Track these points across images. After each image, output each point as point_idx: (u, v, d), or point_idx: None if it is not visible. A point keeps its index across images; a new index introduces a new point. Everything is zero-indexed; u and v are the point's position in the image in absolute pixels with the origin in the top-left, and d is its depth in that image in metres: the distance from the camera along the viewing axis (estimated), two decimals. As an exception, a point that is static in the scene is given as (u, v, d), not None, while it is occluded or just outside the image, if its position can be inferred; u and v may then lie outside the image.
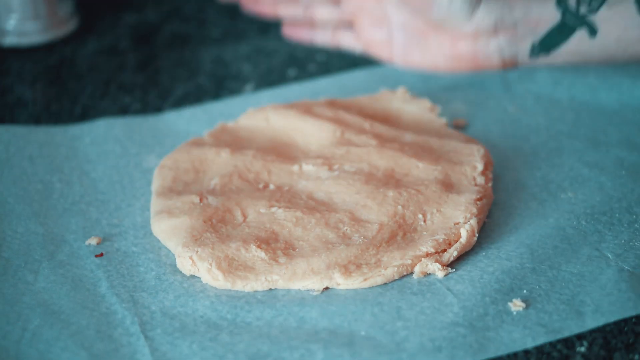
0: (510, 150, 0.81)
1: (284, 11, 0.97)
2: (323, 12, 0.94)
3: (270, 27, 1.04)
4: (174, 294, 0.67)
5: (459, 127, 0.85)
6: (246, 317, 0.64)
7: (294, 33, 0.96)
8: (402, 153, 0.76)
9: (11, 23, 0.99)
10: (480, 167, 0.75)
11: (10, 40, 1.00)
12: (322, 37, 0.95)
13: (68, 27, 1.02)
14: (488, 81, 0.89)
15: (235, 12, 1.08)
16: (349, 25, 0.93)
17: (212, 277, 0.67)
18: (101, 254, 0.70)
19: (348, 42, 0.93)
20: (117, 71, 0.97)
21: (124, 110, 0.90)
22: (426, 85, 0.91)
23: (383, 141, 0.78)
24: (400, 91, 0.85)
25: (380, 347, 0.61)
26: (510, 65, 0.80)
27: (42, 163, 0.80)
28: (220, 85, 0.94)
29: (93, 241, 0.71)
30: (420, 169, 0.75)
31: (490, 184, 0.75)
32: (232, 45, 1.01)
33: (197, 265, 0.68)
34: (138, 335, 0.63)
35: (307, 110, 0.82)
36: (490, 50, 0.80)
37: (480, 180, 0.74)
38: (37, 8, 0.99)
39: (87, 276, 0.68)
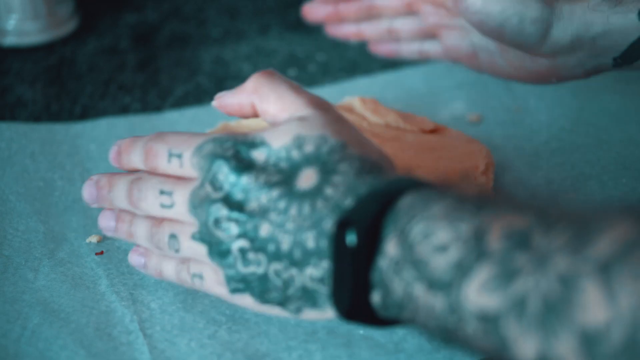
0: (511, 151, 0.81)
1: (369, 30, 0.90)
2: (405, 26, 0.88)
3: (270, 27, 1.05)
4: (173, 292, 0.66)
5: (473, 122, 0.85)
6: (245, 313, 0.64)
7: (380, 49, 0.90)
8: (402, 153, 0.76)
9: (11, 23, 0.99)
10: (481, 167, 0.75)
11: (10, 40, 1.00)
12: (408, 49, 0.88)
13: (68, 27, 1.02)
14: (490, 81, 0.89)
15: (235, 12, 1.08)
16: (432, 36, 0.87)
17: None
18: (101, 252, 0.70)
19: (435, 52, 0.87)
20: (117, 71, 0.96)
21: (124, 110, 0.90)
22: (428, 86, 0.91)
23: (383, 141, 0.78)
24: (356, 101, 0.83)
25: (379, 348, 0.61)
26: (594, 74, 0.76)
27: (44, 161, 0.80)
28: (220, 85, 0.94)
29: (94, 239, 0.71)
30: (421, 170, 0.75)
31: (491, 185, 0.74)
32: (232, 45, 1.01)
33: None
34: (137, 333, 0.63)
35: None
36: (571, 65, 0.74)
37: (482, 180, 0.74)
38: (37, 8, 0.99)
39: (87, 274, 0.68)
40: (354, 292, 0.50)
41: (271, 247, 0.53)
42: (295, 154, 0.54)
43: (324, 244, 0.52)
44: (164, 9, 1.09)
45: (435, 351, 0.61)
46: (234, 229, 0.54)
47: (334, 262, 0.51)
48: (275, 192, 0.53)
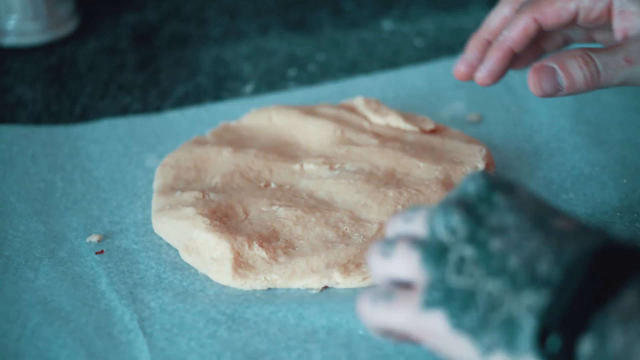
0: (512, 151, 0.81)
1: None
2: None
3: (270, 27, 1.05)
4: (173, 292, 0.66)
5: (474, 121, 0.85)
6: (245, 313, 0.64)
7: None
8: (403, 152, 0.76)
9: (11, 23, 0.99)
10: (481, 167, 0.75)
11: (10, 40, 1.00)
12: None
13: (68, 27, 1.02)
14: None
15: (235, 12, 1.08)
16: None
17: (217, 265, 0.67)
18: (101, 251, 0.70)
19: None
20: (117, 71, 0.97)
21: (124, 110, 0.90)
22: (430, 86, 0.91)
23: (384, 140, 0.78)
24: (359, 101, 0.83)
25: (378, 349, 0.61)
26: None
27: (45, 162, 0.80)
28: (220, 85, 0.94)
29: (94, 239, 0.71)
30: (421, 169, 0.75)
31: (490, 184, 0.74)
32: (232, 45, 1.01)
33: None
34: (137, 331, 0.63)
35: (309, 109, 0.82)
36: None
37: (481, 180, 0.74)
38: (37, 8, 0.99)
39: (88, 273, 0.68)
40: (566, 335, 0.44)
41: (495, 263, 0.47)
42: None
43: (558, 273, 0.46)
44: (164, 9, 1.09)
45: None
46: (462, 232, 0.48)
47: (557, 293, 0.45)
48: (526, 219, 0.48)
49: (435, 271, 0.48)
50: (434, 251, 0.48)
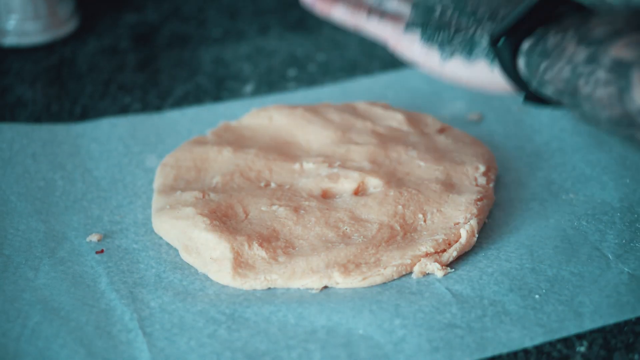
0: (512, 151, 0.81)
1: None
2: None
3: (270, 27, 1.05)
4: (173, 291, 0.66)
5: (474, 121, 0.85)
6: (244, 312, 0.64)
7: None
8: (405, 153, 0.76)
9: (11, 23, 0.99)
10: (482, 167, 0.75)
11: (10, 40, 1.00)
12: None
13: (68, 27, 1.02)
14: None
15: (235, 12, 1.08)
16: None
17: (217, 265, 0.67)
18: (102, 251, 0.70)
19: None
20: (117, 71, 0.97)
21: (124, 110, 0.90)
22: (430, 86, 0.91)
23: (385, 140, 0.78)
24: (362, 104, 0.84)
25: (378, 348, 0.61)
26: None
27: (45, 161, 0.80)
28: (220, 85, 0.94)
29: (94, 238, 0.71)
30: (422, 169, 0.75)
31: (491, 185, 0.74)
32: (232, 45, 1.01)
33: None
34: (137, 331, 0.63)
35: (310, 109, 0.82)
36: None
37: (482, 180, 0.74)
38: (37, 8, 0.99)
39: (88, 272, 0.68)
40: (512, 38, 0.60)
41: (468, 9, 0.64)
42: None
43: (509, 12, 0.61)
44: (164, 9, 1.09)
45: (435, 351, 0.61)
46: None
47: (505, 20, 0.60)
48: None
49: (423, 15, 0.65)
50: (424, 6, 0.65)
